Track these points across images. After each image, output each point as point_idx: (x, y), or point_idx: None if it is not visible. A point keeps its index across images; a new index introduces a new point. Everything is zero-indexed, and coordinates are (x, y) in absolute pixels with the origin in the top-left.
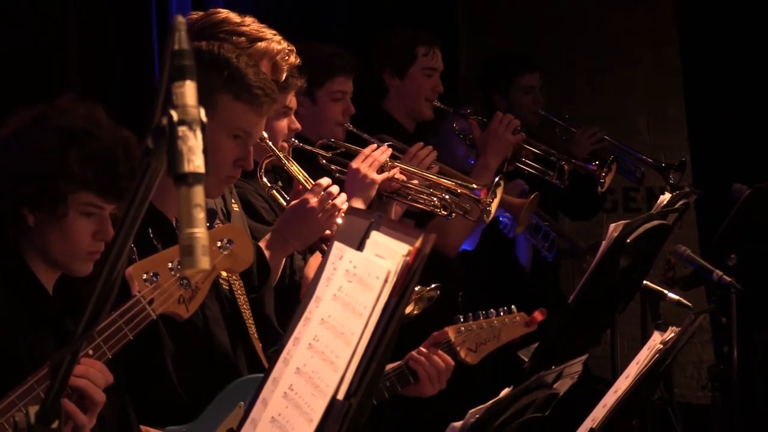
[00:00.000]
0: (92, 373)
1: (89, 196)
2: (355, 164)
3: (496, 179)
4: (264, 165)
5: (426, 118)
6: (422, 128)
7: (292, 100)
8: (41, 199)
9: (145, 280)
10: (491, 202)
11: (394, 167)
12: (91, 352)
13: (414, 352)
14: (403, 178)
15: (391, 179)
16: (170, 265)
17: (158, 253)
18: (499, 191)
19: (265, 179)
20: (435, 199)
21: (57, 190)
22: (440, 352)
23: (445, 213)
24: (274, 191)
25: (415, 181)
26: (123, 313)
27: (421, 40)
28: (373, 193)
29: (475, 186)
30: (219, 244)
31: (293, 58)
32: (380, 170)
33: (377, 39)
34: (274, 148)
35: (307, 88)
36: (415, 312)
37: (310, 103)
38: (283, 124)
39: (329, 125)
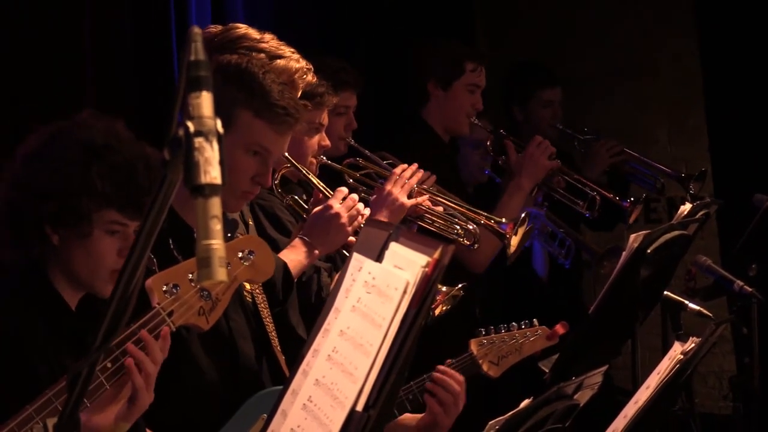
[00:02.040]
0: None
1: (113, 213)
2: (388, 186)
3: (523, 215)
4: (279, 176)
5: (462, 134)
6: (456, 140)
7: (324, 118)
8: (64, 217)
9: (165, 292)
10: (514, 237)
11: (423, 194)
12: (109, 365)
13: (433, 374)
14: (430, 204)
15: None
16: (190, 276)
17: (178, 265)
18: (522, 230)
19: (279, 190)
20: (458, 227)
21: (80, 207)
22: (452, 371)
23: (468, 243)
24: (292, 201)
25: (440, 208)
26: (143, 324)
27: (471, 56)
28: (401, 217)
29: (503, 220)
30: (240, 254)
31: (311, 77)
32: (410, 194)
33: (425, 47)
34: (290, 158)
35: None
36: (444, 310)
37: None
38: (315, 140)
39: (332, 139)
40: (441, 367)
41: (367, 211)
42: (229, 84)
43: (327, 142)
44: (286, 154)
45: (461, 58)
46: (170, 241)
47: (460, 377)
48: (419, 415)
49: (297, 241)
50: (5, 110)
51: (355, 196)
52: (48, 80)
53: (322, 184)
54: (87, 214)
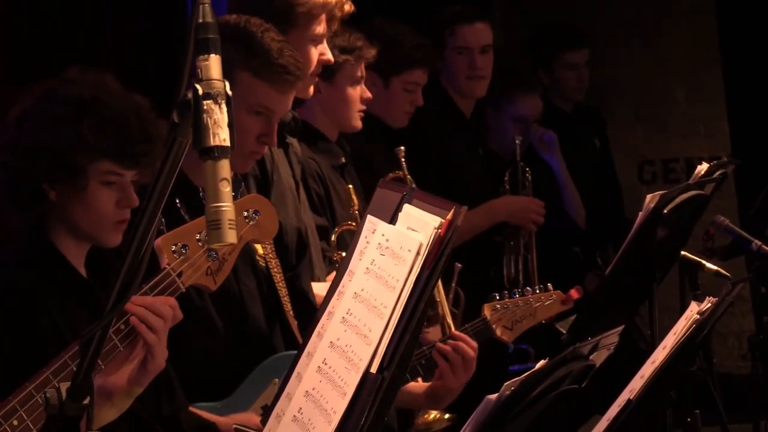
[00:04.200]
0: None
1: (107, 164)
2: None
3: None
4: (338, 233)
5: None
6: (480, 107)
7: (362, 69)
8: (60, 172)
9: (174, 252)
10: None
11: None
12: (123, 326)
13: (439, 343)
14: None
15: None
16: (198, 236)
17: (186, 225)
18: None
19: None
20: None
21: (74, 161)
22: (465, 336)
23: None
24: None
25: None
26: (153, 286)
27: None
28: None
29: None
30: (245, 214)
31: (348, 7)
32: None
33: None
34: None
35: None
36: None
37: (382, 86)
38: (357, 92)
39: (397, 113)
40: (455, 332)
41: None
42: (227, 44)
43: (368, 94)
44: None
45: (446, 23)
46: (177, 201)
47: (474, 343)
48: (427, 383)
49: None
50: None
51: None
52: (66, 50)
53: None
54: (81, 167)
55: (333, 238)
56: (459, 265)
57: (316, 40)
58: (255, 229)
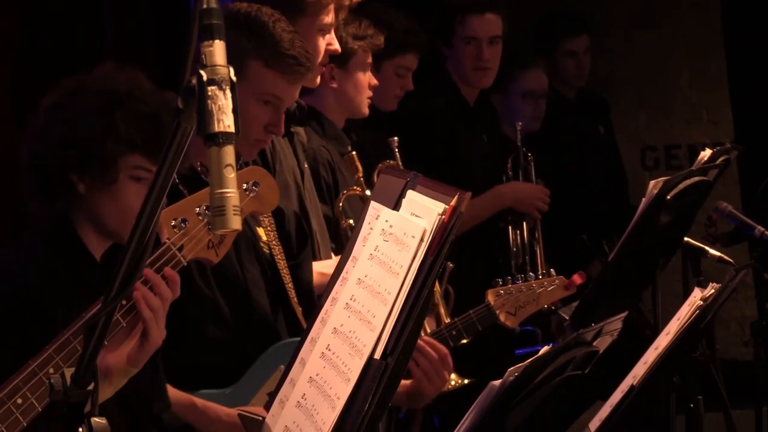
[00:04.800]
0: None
1: (138, 158)
2: None
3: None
4: (343, 198)
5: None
6: (484, 94)
7: (369, 57)
8: (90, 163)
9: (174, 227)
10: None
11: None
12: (124, 302)
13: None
14: None
15: None
16: (197, 210)
17: (185, 199)
18: None
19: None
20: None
21: (105, 152)
22: (430, 339)
23: None
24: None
25: None
26: (154, 261)
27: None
28: None
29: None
30: (245, 186)
31: None
32: None
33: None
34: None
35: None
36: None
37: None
38: (367, 79)
39: (387, 96)
40: (424, 337)
41: None
42: (239, 33)
43: (375, 81)
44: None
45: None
46: (174, 176)
47: (443, 349)
48: (407, 381)
49: None
50: (27, 61)
51: None
52: (67, 36)
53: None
54: (112, 160)
55: (339, 204)
56: (451, 265)
57: (325, 30)
58: (255, 201)
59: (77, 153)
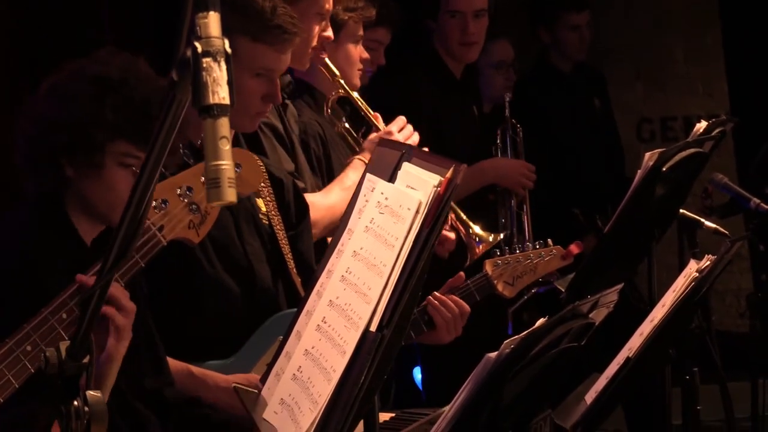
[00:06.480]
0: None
1: (125, 145)
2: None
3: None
4: (332, 102)
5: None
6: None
7: (360, 30)
8: (77, 147)
9: (155, 207)
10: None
11: None
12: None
13: (430, 297)
14: None
15: None
16: (179, 191)
17: (166, 180)
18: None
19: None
20: None
21: (92, 138)
22: (455, 297)
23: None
24: (344, 129)
25: None
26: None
27: None
28: None
29: (483, 237)
30: None
31: None
32: None
33: None
34: (346, 89)
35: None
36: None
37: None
38: (358, 51)
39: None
40: (437, 294)
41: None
42: (223, 11)
43: (366, 55)
44: (342, 82)
45: None
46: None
47: (466, 307)
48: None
49: (357, 162)
50: (25, 45)
51: (410, 126)
52: (65, 20)
53: (370, 111)
54: (99, 145)
55: (326, 108)
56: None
57: (322, 15)
58: (237, 182)
59: (65, 137)
